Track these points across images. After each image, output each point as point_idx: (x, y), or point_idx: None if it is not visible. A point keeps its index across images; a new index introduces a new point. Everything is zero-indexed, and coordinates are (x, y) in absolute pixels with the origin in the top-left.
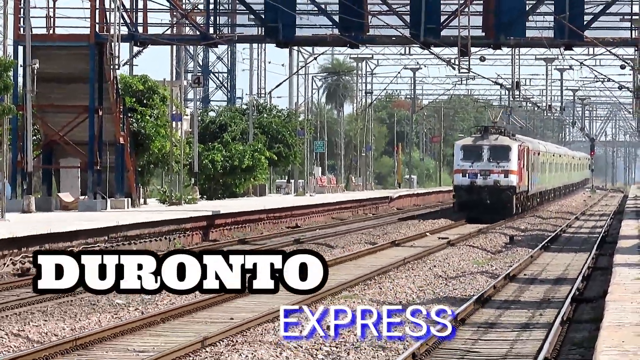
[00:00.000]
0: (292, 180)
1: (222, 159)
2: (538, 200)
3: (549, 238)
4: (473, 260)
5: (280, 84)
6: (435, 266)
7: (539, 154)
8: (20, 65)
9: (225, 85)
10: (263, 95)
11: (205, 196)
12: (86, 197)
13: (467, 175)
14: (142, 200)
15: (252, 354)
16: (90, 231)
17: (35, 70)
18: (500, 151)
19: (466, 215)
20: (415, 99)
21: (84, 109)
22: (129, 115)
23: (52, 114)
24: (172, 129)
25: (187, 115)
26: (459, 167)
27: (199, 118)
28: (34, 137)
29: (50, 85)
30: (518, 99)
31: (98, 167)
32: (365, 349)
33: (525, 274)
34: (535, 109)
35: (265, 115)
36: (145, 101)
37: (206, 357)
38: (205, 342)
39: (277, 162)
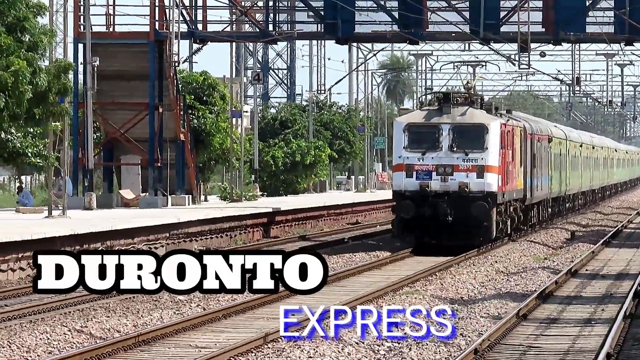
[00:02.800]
0: (353, 177)
1: (283, 155)
2: (549, 210)
3: (610, 234)
4: (534, 255)
5: (339, 80)
6: (496, 262)
7: (549, 140)
8: (81, 63)
9: (285, 82)
10: (323, 91)
11: (265, 193)
12: (147, 194)
13: (414, 174)
14: (202, 197)
15: (314, 349)
16: (151, 228)
17: (96, 68)
18: (471, 134)
19: (413, 242)
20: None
21: (144, 106)
22: (189, 112)
23: (112, 112)
24: (232, 125)
25: (246, 112)
26: (401, 161)
27: (259, 115)
28: (95, 135)
29: (110, 82)
30: (579, 95)
31: (158, 164)
32: (427, 344)
33: (586, 270)
34: (596, 104)
35: (325, 112)
36: (205, 98)
37: (268, 353)
38: (267, 338)
39: (338, 158)
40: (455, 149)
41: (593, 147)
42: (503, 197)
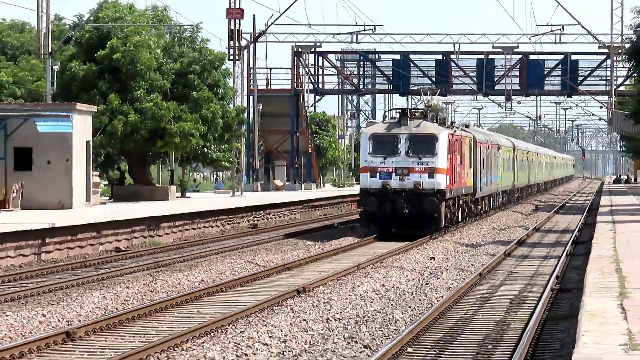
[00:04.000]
0: None
1: None
2: (498, 201)
3: (559, 206)
4: (514, 219)
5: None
6: (492, 222)
7: (498, 148)
8: (251, 107)
9: (369, 118)
10: None
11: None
12: (290, 182)
13: (377, 174)
14: (322, 185)
15: (387, 272)
16: (293, 202)
17: (259, 110)
18: (423, 142)
19: (377, 231)
20: (480, 126)
21: (287, 132)
22: (314, 135)
23: (269, 135)
24: (338, 143)
25: (347, 135)
26: (366, 164)
27: (355, 137)
28: (259, 149)
29: (268, 118)
30: (540, 127)
31: (296, 166)
32: (452, 270)
33: (544, 227)
34: (550, 131)
35: None
36: (323, 127)
37: (359, 275)
38: (359, 266)
39: None
40: (410, 154)
41: (537, 154)
42: (451, 194)
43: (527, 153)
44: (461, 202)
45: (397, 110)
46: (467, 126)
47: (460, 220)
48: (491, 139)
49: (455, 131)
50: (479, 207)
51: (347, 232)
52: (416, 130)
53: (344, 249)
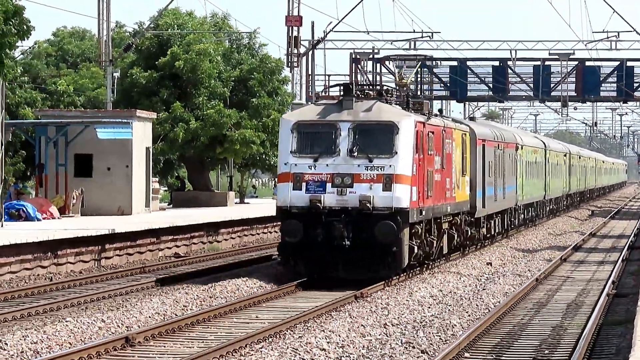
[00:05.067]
0: None
1: None
2: (519, 218)
3: (615, 211)
4: (570, 224)
5: None
6: (548, 228)
7: (517, 148)
8: None
9: None
10: None
11: None
12: None
13: (303, 186)
14: None
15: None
16: None
17: None
18: (376, 134)
19: (302, 270)
20: (536, 132)
21: None
22: None
23: None
24: None
25: None
26: (287, 169)
27: None
28: None
29: None
30: (595, 133)
31: None
32: (509, 276)
33: (601, 232)
34: (606, 137)
35: None
36: None
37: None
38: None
39: None
40: (356, 153)
41: (579, 157)
42: (421, 214)
43: (565, 156)
44: (445, 225)
45: (339, 86)
46: (472, 119)
47: (445, 252)
48: (505, 135)
49: (429, 119)
50: (483, 229)
51: (269, 269)
52: (365, 117)
53: (231, 308)
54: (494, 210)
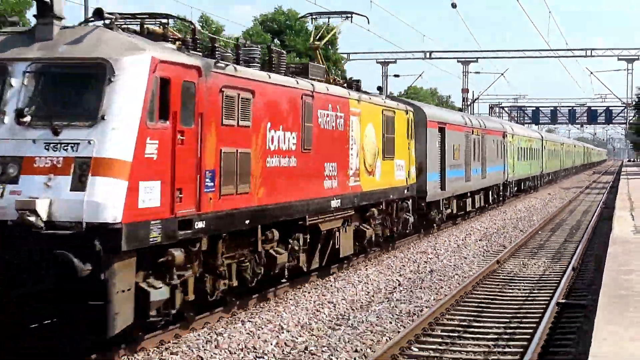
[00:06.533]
0: None
1: None
2: (512, 190)
3: (604, 171)
4: (578, 179)
5: None
6: (550, 189)
7: (507, 136)
8: None
9: None
10: None
11: None
12: None
13: None
14: None
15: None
16: None
17: None
18: (72, 85)
19: None
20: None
21: None
22: None
23: None
24: None
25: None
26: None
27: None
28: None
29: None
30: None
31: None
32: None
33: (599, 180)
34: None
35: None
36: None
37: None
38: None
39: None
40: (30, 119)
41: (574, 146)
42: (187, 229)
43: (562, 145)
44: (333, 224)
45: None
46: (395, 98)
47: (323, 264)
48: (488, 124)
49: (231, 69)
50: (446, 210)
51: None
52: (55, 53)
53: None
54: (464, 191)
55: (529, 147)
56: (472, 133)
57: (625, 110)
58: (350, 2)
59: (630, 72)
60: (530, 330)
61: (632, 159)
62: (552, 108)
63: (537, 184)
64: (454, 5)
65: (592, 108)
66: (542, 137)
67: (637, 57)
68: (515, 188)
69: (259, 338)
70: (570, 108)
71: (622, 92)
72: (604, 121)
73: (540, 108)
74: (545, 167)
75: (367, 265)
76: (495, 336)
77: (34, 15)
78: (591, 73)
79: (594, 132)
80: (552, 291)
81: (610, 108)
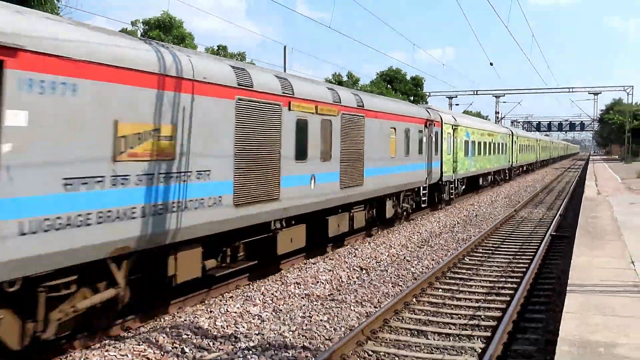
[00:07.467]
0: None
1: None
2: (459, 188)
3: (569, 167)
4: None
5: None
6: (524, 179)
7: (433, 125)
8: None
9: None
10: None
11: None
12: None
13: None
14: None
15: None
16: None
17: None
18: None
19: None
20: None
21: None
22: None
23: None
24: None
25: None
26: None
27: None
28: None
29: None
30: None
31: None
32: (481, 220)
33: (555, 182)
34: None
35: None
36: None
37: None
38: None
39: None
40: None
41: (552, 142)
42: None
43: (537, 141)
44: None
45: None
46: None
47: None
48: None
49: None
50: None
51: None
52: None
53: None
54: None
55: (490, 141)
56: (317, 112)
57: (592, 123)
58: None
59: (596, 100)
60: (535, 248)
61: (596, 152)
62: (548, 122)
63: (505, 176)
64: (491, 64)
65: (572, 122)
66: (512, 132)
67: (600, 92)
68: (463, 187)
69: (377, 251)
70: (559, 122)
71: (591, 112)
72: (579, 129)
73: (541, 122)
74: (516, 161)
75: (434, 214)
76: (514, 252)
77: None
78: (572, 101)
79: (572, 136)
80: (547, 227)
81: (584, 122)
